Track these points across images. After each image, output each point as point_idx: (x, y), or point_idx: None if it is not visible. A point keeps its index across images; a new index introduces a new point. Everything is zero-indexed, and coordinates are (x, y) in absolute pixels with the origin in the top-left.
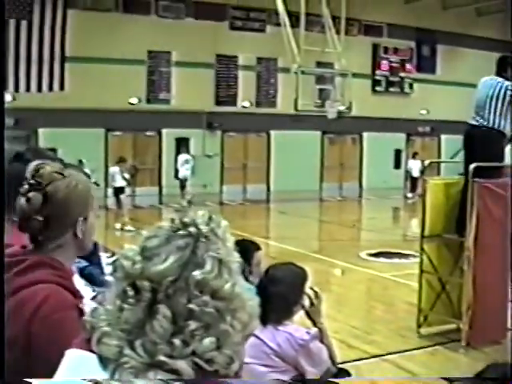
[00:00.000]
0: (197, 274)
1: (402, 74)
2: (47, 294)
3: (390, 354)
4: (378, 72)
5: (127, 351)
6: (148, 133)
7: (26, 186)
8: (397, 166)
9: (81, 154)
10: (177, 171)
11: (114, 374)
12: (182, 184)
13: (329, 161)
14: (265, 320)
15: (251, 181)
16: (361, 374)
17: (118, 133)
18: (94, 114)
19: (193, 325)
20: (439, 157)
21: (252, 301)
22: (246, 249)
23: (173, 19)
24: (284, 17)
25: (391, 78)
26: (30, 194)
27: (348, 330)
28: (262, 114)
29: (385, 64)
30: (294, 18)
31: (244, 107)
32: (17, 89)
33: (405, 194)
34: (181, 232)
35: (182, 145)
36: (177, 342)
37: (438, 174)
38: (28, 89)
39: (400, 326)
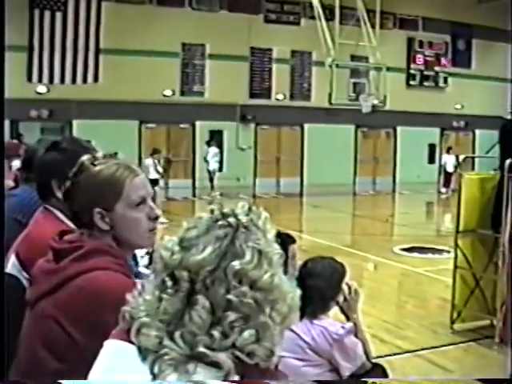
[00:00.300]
0: (235, 264)
1: (437, 68)
2: (108, 279)
3: (423, 349)
4: (412, 66)
5: (167, 342)
6: (182, 125)
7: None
8: (431, 160)
9: (114, 146)
10: (207, 163)
11: (153, 366)
12: (211, 177)
13: (362, 155)
14: (300, 313)
15: (284, 174)
16: (393, 369)
17: (151, 125)
18: (128, 106)
19: (232, 316)
20: (473, 152)
21: (292, 293)
22: (282, 241)
23: (206, 12)
24: (318, 10)
25: (426, 72)
26: (67, 183)
27: (380, 324)
28: (296, 107)
29: (420, 58)
30: (328, 11)
31: (278, 100)
32: (51, 80)
33: (438, 189)
34: (220, 222)
35: (212, 137)
36: (216, 333)
37: (473, 168)
38: (62, 80)
39: (433, 321)
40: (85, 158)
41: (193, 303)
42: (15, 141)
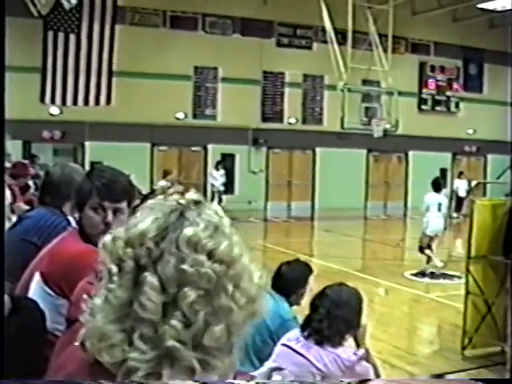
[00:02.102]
0: (188, 230)
1: (449, 93)
2: None
3: (434, 375)
4: (424, 90)
5: (128, 352)
6: (194, 148)
7: None
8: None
9: (126, 168)
10: (213, 185)
11: None
12: (220, 197)
13: (374, 179)
14: (322, 341)
15: (296, 198)
16: None
17: (163, 147)
18: (140, 129)
19: (190, 294)
20: (485, 177)
21: (261, 272)
22: (303, 271)
23: (219, 35)
24: (331, 34)
25: (437, 97)
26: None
27: (391, 350)
28: (308, 131)
29: (431, 82)
30: (340, 36)
31: (290, 124)
32: (64, 102)
33: (450, 214)
34: (168, 202)
35: (220, 161)
36: (175, 322)
37: (484, 194)
38: (75, 102)
39: (444, 347)
40: (158, 186)
41: (140, 283)
42: (26, 161)
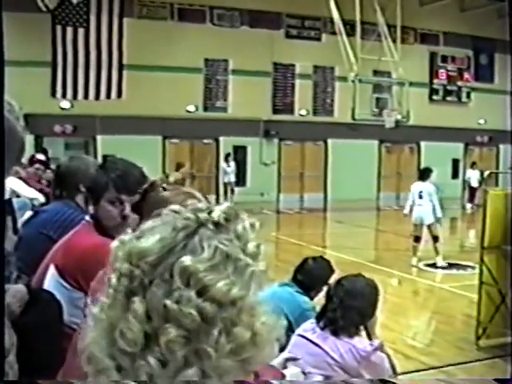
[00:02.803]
0: (185, 259)
1: (460, 83)
2: None
3: (448, 365)
4: (435, 81)
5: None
6: (205, 140)
7: None
8: (455, 175)
9: (138, 161)
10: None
11: None
12: (232, 189)
13: (386, 170)
14: (337, 332)
15: (308, 189)
16: None
17: (175, 140)
18: (152, 122)
19: (171, 331)
20: (497, 167)
21: (266, 318)
22: (327, 270)
23: (228, 28)
24: (339, 25)
25: (449, 87)
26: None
27: (405, 340)
28: (319, 123)
29: (442, 73)
30: (348, 27)
31: (301, 115)
32: (75, 96)
33: (463, 204)
34: (186, 215)
35: (230, 154)
36: (151, 359)
37: (497, 184)
38: (86, 96)
39: (458, 337)
40: (157, 178)
41: (128, 308)
42: (40, 155)
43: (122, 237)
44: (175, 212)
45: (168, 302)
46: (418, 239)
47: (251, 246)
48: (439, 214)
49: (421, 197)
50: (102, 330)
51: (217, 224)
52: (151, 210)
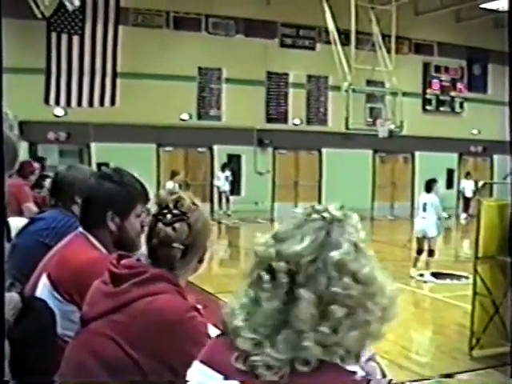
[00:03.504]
0: (335, 254)
1: (453, 93)
2: (170, 301)
3: (442, 376)
4: (428, 91)
5: (267, 349)
6: (199, 149)
7: (170, 216)
8: (449, 185)
9: (133, 169)
10: (218, 187)
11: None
12: (227, 198)
13: (380, 179)
14: None
15: (302, 198)
16: None
17: (169, 148)
18: (146, 130)
19: (339, 311)
20: (492, 177)
21: (391, 286)
22: None
23: (223, 36)
24: (334, 35)
25: (442, 97)
26: (177, 225)
27: (399, 350)
28: (313, 132)
29: (436, 83)
30: (343, 36)
31: (295, 125)
32: (69, 103)
33: (457, 214)
34: (314, 216)
35: (226, 163)
36: (325, 329)
37: (491, 194)
38: (80, 103)
39: (452, 347)
40: (188, 200)
41: (296, 298)
42: (35, 163)
43: (259, 240)
44: (303, 214)
45: (337, 289)
46: (420, 252)
47: (362, 234)
48: (438, 229)
49: (425, 209)
50: (252, 320)
51: (340, 220)
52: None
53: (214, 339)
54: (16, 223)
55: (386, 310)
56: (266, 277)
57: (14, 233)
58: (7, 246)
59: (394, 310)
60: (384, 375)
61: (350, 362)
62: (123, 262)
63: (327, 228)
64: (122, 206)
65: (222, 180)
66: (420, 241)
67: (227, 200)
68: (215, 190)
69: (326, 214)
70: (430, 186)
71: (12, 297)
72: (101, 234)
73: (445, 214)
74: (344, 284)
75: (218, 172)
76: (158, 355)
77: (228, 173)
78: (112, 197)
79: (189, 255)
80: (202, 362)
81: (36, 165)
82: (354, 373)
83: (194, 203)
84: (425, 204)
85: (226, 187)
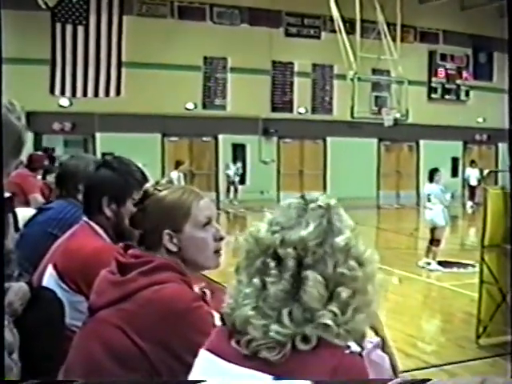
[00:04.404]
0: (340, 239)
1: (459, 82)
2: (176, 290)
3: (449, 364)
4: (434, 79)
5: (273, 326)
6: (204, 138)
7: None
8: (454, 174)
9: (138, 158)
10: (228, 176)
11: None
12: (236, 188)
13: (385, 168)
14: None
15: (308, 187)
16: None
17: (174, 138)
18: (151, 119)
19: (345, 292)
20: (497, 165)
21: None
22: None
23: (227, 26)
24: (339, 23)
25: (447, 86)
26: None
27: (406, 338)
28: (318, 121)
29: (441, 71)
30: (348, 25)
31: (300, 114)
32: (74, 93)
33: (463, 203)
34: (313, 205)
35: (238, 152)
36: (335, 309)
37: (496, 182)
38: (85, 94)
39: (458, 336)
40: (148, 185)
41: (304, 279)
42: (40, 152)
43: (259, 227)
44: (300, 204)
45: (344, 271)
46: (433, 242)
47: (346, 218)
48: (446, 219)
49: (429, 200)
50: (262, 306)
51: (334, 208)
52: (154, 216)
53: (220, 327)
54: (23, 214)
55: (381, 286)
56: (272, 263)
57: (21, 223)
58: (15, 235)
59: (381, 291)
60: (393, 366)
61: (347, 341)
62: (130, 251)
63: (328, 215)
64: (118, 192)
65: (232, 170)
66: (432, 231)
67: (235, 190)
68: (222, 179)
69: (321, 203)
70: (431, 175)
71: (21, 287)
72: (100, 221)
73: (448, 197)
74: (349, 266)
75: (229, 163)
76: (165, 344)
77: (239, 164)
78: (107, 182)
79: (148, 241)
80: (207, 350)
81: (44, 157)
82: (349, 347)
83: (156, 188)
84: (429, 195)
85: (236, 178)
